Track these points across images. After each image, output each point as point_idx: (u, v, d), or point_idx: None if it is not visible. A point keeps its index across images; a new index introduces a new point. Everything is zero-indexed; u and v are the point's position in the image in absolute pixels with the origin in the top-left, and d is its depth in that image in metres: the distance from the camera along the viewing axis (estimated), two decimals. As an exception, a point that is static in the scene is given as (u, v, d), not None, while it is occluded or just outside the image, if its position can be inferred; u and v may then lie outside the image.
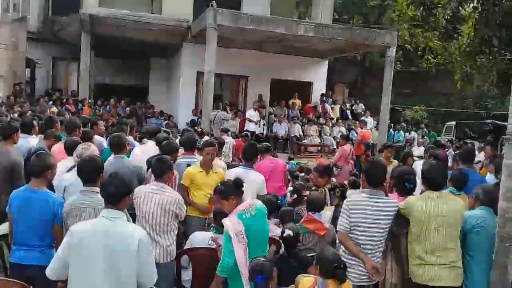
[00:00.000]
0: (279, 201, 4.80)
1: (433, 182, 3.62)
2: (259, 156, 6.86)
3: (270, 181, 6.06)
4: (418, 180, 4.68)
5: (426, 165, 3.86)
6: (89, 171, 3.46)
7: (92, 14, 12.98)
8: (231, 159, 8.81)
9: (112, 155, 4.79)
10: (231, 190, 3.50)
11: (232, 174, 5.04)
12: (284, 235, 3.87)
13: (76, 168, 4.06)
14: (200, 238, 4.20)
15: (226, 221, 3.39)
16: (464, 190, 4.44)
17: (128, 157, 5.21)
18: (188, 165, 5.12)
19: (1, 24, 14.54)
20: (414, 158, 7.58)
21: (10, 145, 4.92)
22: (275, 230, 4.27)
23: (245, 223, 3.33)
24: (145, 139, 6.44)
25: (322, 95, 16.31)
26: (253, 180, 4.94)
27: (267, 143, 6.98)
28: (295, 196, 5.75)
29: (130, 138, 5.94)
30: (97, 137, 5.92)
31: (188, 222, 4.76)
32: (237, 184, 3.56)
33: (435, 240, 3.47)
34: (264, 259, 3.17)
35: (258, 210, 3.46)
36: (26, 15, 16.63)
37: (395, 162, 7.14)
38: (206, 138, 6.52)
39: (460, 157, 5.56)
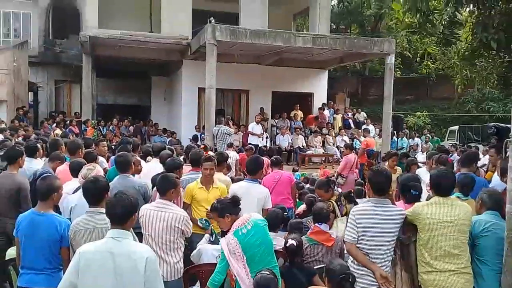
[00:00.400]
0: (286, 214, 4.79)
1: (442, 188, 3.60)
2: (270, 168, 6.86)
3: (273, 194, 6.06)
4: (424, 187, 4.66)
5: (434, 171, 3.84)
6: (94, 192, 3.46)
7: (92, 36, 13.13)
8: (234, 173, 8.79)
9: (118, 175, 4.79)
10: (226, 208, 3.53)
11: (236, 188, 5.06)
12: (287, 245, 3.87)
13: (81, 189, 4.10)
14: (210, 253, 4.19)
15: (222, 241, 3.43)
16: (470, 195, 4.42)
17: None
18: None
19: (3, 50, 14.73)
20: (419, 164, 7.57)
21: (16, 169, 4.96)
22: (280, 243, 4.25)
23: (241, 239, 3.35)
24: (150, 157, 6.47)
25: (323, 104, 16.33)
26: (258, 194, 4.93)
27: (278, 156, 6.96)
28: (306, 208, 5.73)
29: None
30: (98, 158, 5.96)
31: (191, 239, 4.71)
32: (234, 202, 3.58)
33: (443, 246, 3.45)
34: (268, 273, 3.14)
35: (255, 223, 3.46)
36: (27, 39, 16.87)
37: (400, 170, 7.14)
38: (210, 153, 6.52)
39: (460, 161, 5.54)
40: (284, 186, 6.26)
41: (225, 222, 3.53)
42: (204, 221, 4.61)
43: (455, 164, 7.62)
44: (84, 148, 5.79)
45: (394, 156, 7.41)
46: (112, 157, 6.13)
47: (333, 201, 5.11)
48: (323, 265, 3.83)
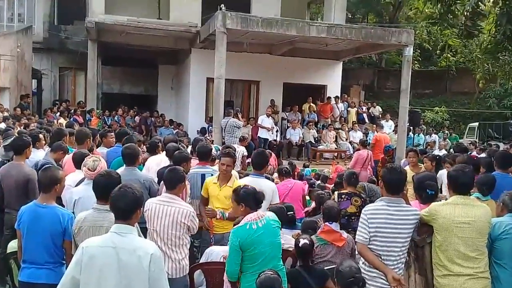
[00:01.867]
0: (289, 213, 4.72)
1: (459, 185, 3.47)
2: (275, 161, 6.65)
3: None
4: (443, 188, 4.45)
5: (452, 168, 3.69)
6: (105, 189, 3.23)
7: (98, 22, 12.88)
8: (239, 168, 8.58)
9: (124, 167, 4.71)
10: (245, 198, 3.54)
11: (242, 183, 4.92)
12: (300, 244, 3.80)
13: (85, 181, 3.99)
14: (215, 254, 4.13)
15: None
16: (492, 196, 4.27)
17: (140, 168, 5.11)
18: (202, 175, 4.98)
19: (6, 35, 14.33)
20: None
21: (23, 160, 4.93)
22: (289, 242, 4.14)
23: (248, 234, 3.35)
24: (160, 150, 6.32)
25: (336, 98, 15.96)
26: (266, 188, 4.78)
27: (287, 167, 6.93)
28: (315, 205, 5.62)
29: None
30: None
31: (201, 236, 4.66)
32: (255, 197, 3.57)
33: (460, 248, 3.33)
34: (271, 273, 3.13)
35: (267, 222, 3.44)
36: (31, 24, 16.59)
37: (423, 166, 6.85)
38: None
39: (496, 162, 5.30)
40: (296, 195, 6.23)
41: (238, 210, 3.59)
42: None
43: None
44: (92, 138, 5.71)
45: (411, 152, 7.14)
46: (97, 150, 6.03)
47: (336, 192, 5.15)
48: (333, 266, 3.73)
